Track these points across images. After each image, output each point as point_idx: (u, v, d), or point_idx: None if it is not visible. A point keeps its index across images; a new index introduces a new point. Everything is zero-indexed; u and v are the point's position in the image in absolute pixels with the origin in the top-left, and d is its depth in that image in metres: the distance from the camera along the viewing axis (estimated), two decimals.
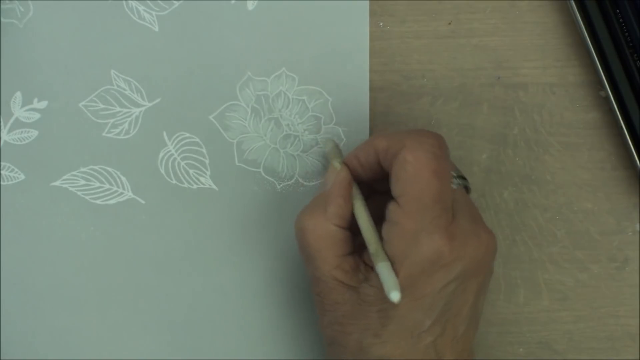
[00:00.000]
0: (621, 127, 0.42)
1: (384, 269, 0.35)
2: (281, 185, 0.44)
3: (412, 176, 0.36)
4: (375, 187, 0.40)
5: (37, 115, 0.43)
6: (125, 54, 0.44)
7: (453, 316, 0.36)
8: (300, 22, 0.44)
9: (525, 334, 0.44)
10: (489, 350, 0.44)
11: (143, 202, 0.43)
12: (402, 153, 0.36)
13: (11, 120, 0.43)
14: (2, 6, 0.44)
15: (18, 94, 0.43)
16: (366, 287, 0.36)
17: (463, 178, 0.38)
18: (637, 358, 0.44)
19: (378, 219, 0.37)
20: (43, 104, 0.44)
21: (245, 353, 0.43)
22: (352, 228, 0.38)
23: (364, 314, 0.36)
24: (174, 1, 0.44)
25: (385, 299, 0.35)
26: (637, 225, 0.44)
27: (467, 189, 0.39)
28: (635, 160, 0.42)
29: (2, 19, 0.44)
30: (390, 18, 0.44)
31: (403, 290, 0.35)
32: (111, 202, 0.43)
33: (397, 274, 0.35)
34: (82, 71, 0.44)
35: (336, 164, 0.39)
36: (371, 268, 0.37)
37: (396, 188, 0.36)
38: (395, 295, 0.34)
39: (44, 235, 0.43)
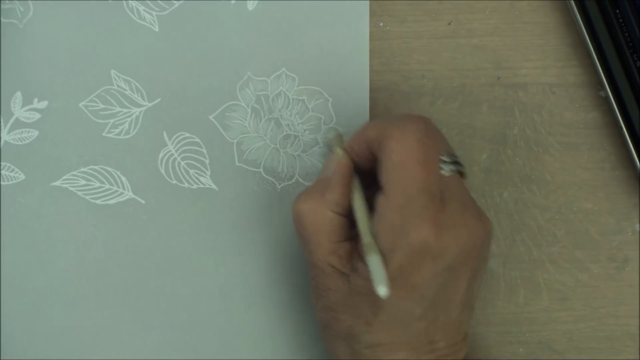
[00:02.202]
0: (621, 127, 0.42)
1: (373, 263, 0.34)
2: (281, 185, 0.44)
3: (397, 166, 0.35)
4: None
5: (37, 115, 0.43)
6: (125, 54, 0.44)
7: (445, 303, 0.36)
8: (300, 22, 0.44)
9: (525, 334, 0.44)
10: (489, 350, 0.44)
11: (143, 202, 0.43)
12: (387, 142, 0.36)
13: (11, 120, 0.43)
14: (2, 6, 0.44)
15: (18, 94, 0.43)
16: (356, 277, 0.36)
17: (457, 163, 0.37)
18: (637, 358, 0.44)
19: None
20: (43, 104, 0.44)
21: (246, 353, 0.43)
22: (350, 216, 0.38)
23: (355, 303, 0.36)
24: (174, 1, 0.44)
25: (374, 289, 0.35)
26: (637, 225, 0.44)
27: (461, 173, 0.38)
28: (635, 160, 0.42)
29: (2, 19, 0.44)
30: (390, 18, 0.44)
31: (393, 280, 0.34)
32: (111, 202, 0.43)
33: (386, 264, 0.35)
34: (82, 71, 0.44)
35: (339, 151, 0.39)
36: (361, 258, 0.36)
37: (382, 178, 0.36)
38: (382, 291, 0.33)
39: (44, 235, 0.43)
